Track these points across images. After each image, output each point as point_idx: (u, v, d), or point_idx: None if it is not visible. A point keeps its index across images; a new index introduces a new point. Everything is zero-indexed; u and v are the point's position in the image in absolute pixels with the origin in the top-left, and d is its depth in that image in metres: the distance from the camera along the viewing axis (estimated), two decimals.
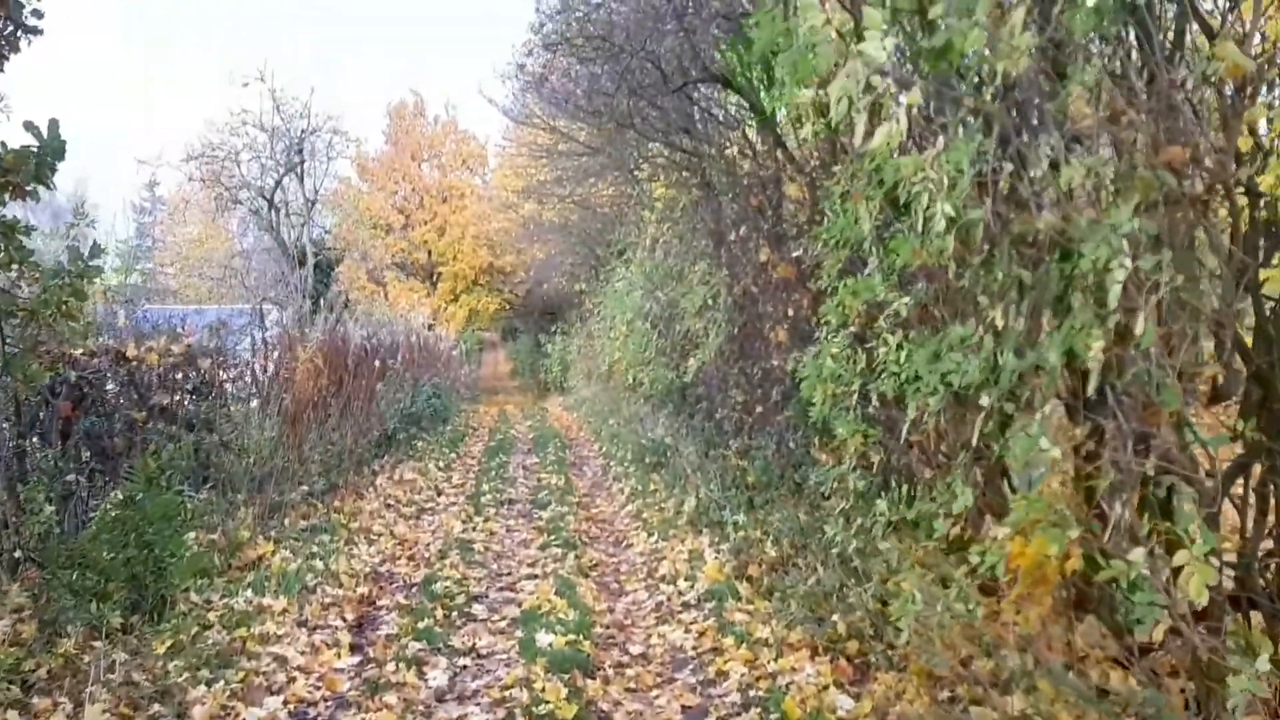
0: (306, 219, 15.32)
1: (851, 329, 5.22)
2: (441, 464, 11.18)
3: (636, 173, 17.43)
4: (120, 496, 4.65)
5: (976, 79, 3.03)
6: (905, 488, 5.27)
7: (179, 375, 7.51)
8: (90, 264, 4.35)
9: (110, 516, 4.44)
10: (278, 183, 15.61)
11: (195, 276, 22.12)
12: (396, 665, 4.24)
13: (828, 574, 4.88)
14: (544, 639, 4.58)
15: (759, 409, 9.01)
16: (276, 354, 7.59)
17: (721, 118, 10.66)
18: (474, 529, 7.64)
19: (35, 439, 5.73)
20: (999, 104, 2.81)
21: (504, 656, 4.53)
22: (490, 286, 37.23)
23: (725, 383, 9.90)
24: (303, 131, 15.46)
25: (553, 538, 7.22)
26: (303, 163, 15.47)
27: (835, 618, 4.32)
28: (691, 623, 5.00)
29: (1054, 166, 2.67)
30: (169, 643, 4.21)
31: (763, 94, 8.16)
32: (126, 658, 4.01)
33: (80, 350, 5.99)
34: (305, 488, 7.43)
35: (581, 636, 4.61)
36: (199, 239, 28.38)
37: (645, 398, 14.08)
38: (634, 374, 13.89)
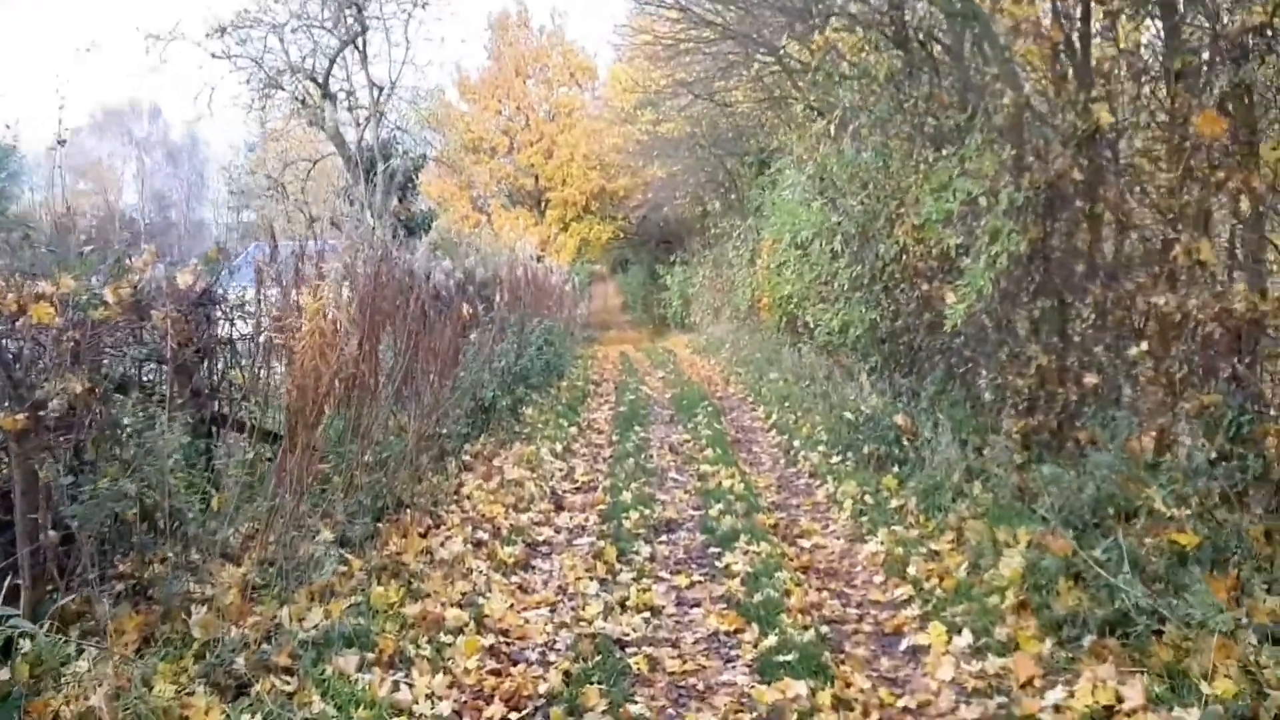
0: (373, 111, 11.97)
1: None
2: (559, 445, 7.96)
3: (796, 47, 13.65)
4: None
5: None
6: None
7: (115, 338, 4.45)
8: None
9: None
10: (332, 60, 12.17)
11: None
12: None
13: None
14: None
15: (1087, 378, 5.37)
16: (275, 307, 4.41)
17: None
18: (620, 602, 4.35)
19: None
20: None
21: None
22: (602, 213, 33.91)
23: (1003, 330, 6.25)
24: None
25: (768, 629, 3.88)
26: (364, 31, 12.00)
27: None
28: None
29: None
30: None
31: None
32: None
33: None
34: (327, 534, 4.26)
35: None
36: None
37: (825, 347, 10.54)
38: (810, 313, 10.33)
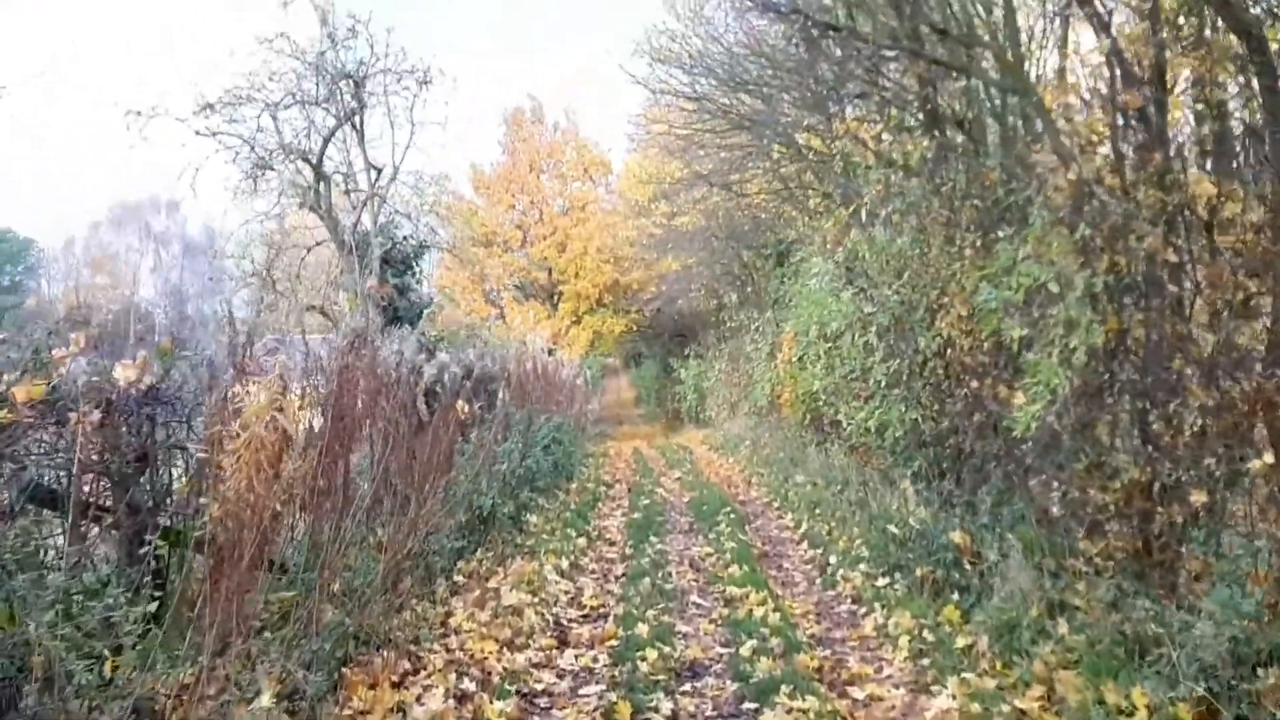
0: (370, 194, 11.35)
1: None
2: (565, 560, 7.08)
3: (808, 132, 13.27)
4: None
5: None
6: None
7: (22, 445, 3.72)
8: None
9: None
10: (327, 139, 11.64)
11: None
12: None
13: None
14: None
15: (1194, 495, 4.52)
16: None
17: None
18: None
19: None
20: None
21: None
22: (615, 306, 33.52)
23: (1079, 435, 5.40)
24: (361, 63, 11.50)
25: None
26: (361, 109, 11.49)
27: None
28: None
29: None
30: None
31: None
32: None
33: None
34: (266, 699, 3.38)
35: None
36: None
37: (857, 448, 9.70)
38: (842, 411, 9.52)
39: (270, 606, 4.47)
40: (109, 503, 4.52)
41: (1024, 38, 7.69)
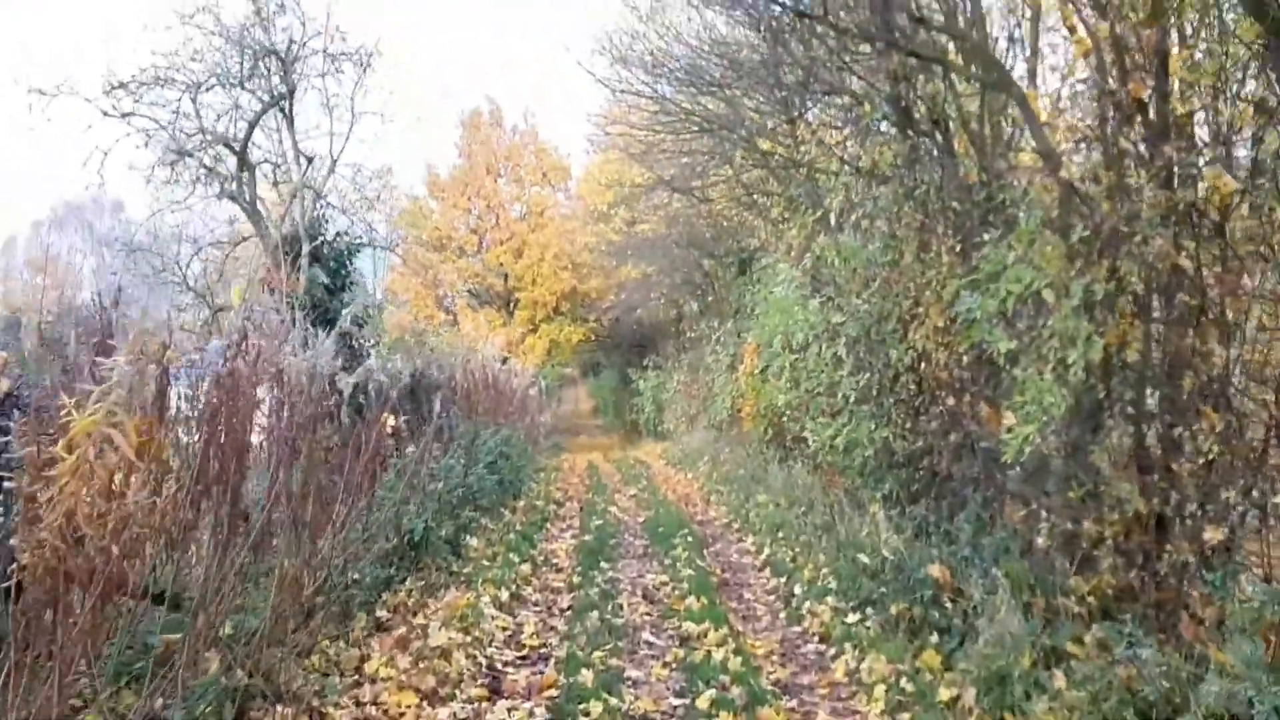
0: (299, 185, 10.54)
1: None
2: (505, 591, 6.42)
3: (771, 137, 12.72)
4: None
5: None
6: None
7: None
8: None
9: None
10: (252, 124, 10.80)
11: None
12: None
13: None
14: None
15: (1208, 531, 4.02)
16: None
17: None
18: None
19: None
20: None
21: None
22: (573, 315, 32.83)
23: (1072, 460, 4.88)
24: (291, 42, 10.68)
25: None
26: (291, 94, 10.69)
27: None
28: None
29: None
30: None
31: None
32: None
33: None
34: None
35: None
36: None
37: (823, 465, 9.17)
38: (809, 428, 8.98)
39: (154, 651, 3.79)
40: None
41: (996, 29, 7.29)
